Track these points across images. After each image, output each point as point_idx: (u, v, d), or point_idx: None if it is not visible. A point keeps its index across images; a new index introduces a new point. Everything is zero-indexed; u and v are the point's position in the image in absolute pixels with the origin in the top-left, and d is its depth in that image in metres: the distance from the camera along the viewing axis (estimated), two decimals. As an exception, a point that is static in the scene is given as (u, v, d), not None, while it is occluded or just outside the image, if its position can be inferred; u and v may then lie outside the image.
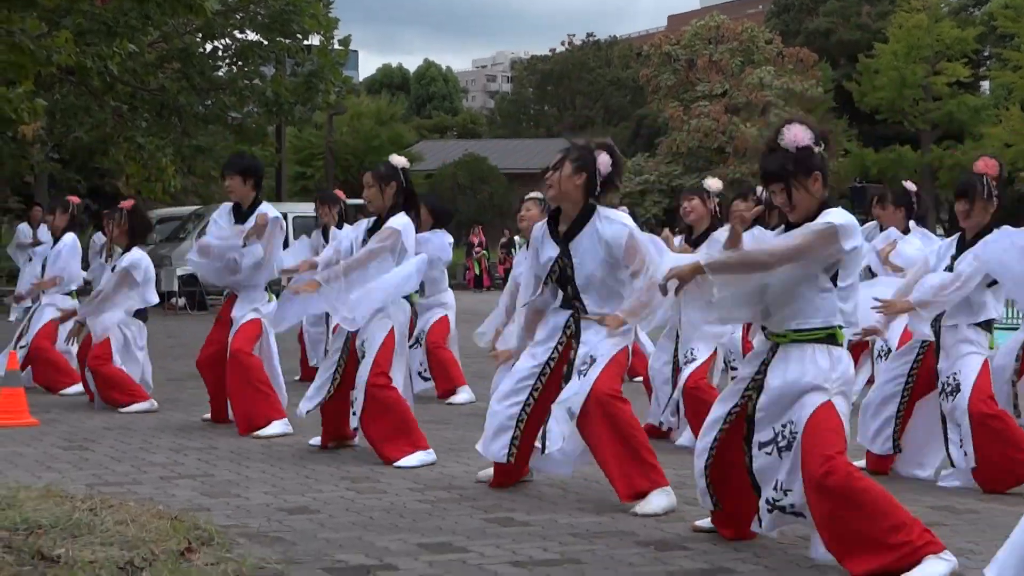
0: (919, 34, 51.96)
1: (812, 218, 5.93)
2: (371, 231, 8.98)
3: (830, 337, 5.90)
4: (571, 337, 7.40)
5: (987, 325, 8.23)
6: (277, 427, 9.87)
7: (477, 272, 42.33)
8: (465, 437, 9.76)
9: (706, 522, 6.56)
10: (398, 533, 6.45)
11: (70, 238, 13.18)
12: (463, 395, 12.25)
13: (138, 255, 11.60)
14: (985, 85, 59.95)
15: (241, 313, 10.23)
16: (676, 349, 9.65)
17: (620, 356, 7.36)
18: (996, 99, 52.80)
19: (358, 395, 8.74)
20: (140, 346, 11.68)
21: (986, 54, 59.22)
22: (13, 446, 9.20)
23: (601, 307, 7.36)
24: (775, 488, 5.95)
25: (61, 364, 12.62)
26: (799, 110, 51.43)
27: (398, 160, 9.07)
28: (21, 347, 12.52)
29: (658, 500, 7.06)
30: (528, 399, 7.42)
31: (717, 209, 9.85)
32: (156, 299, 11.83)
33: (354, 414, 8.78)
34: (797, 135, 5.95)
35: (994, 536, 6.60)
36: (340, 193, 14.54)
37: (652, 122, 61.69)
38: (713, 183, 9.96)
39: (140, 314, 11.70)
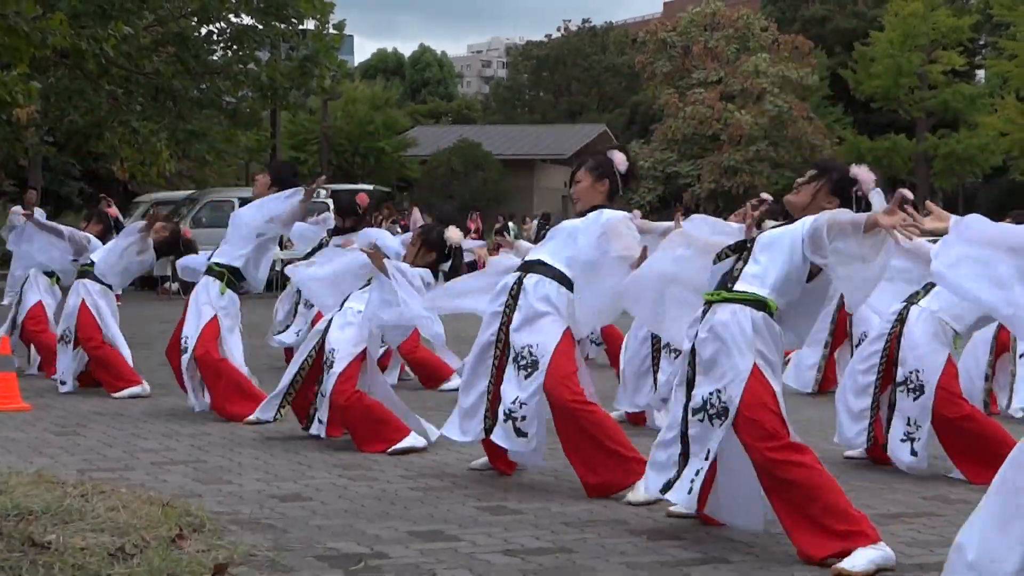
0: (915, 22, 51.89)
1: None
2: None
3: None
4: (515, 297, 7.41)
5: None
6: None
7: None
8: (458, 424, 9.73)
9: (680, 507, 6.56)
10: (390, 521, 6.44)
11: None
12: (456, 380, 12.21)
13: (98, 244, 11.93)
14: (980, 74, 59.91)
15: (196, 306, 10.27)
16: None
17: (562, 346, 7.29)
18: (991, 88, 52.73)
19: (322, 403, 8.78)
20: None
21: (981, 43, 59.18)
22: (5, 431, 9.18)
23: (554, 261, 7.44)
24: None
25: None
26: (795, 98, 51.51)
27: None
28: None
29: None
30: (491, 372, 7.47)
31: None
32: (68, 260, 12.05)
33: (320, 422, 8.81)
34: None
35: (986, 527, 6.60)
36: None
37: (647, 109, 61.61)
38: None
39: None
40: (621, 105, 69.22)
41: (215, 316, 10.11)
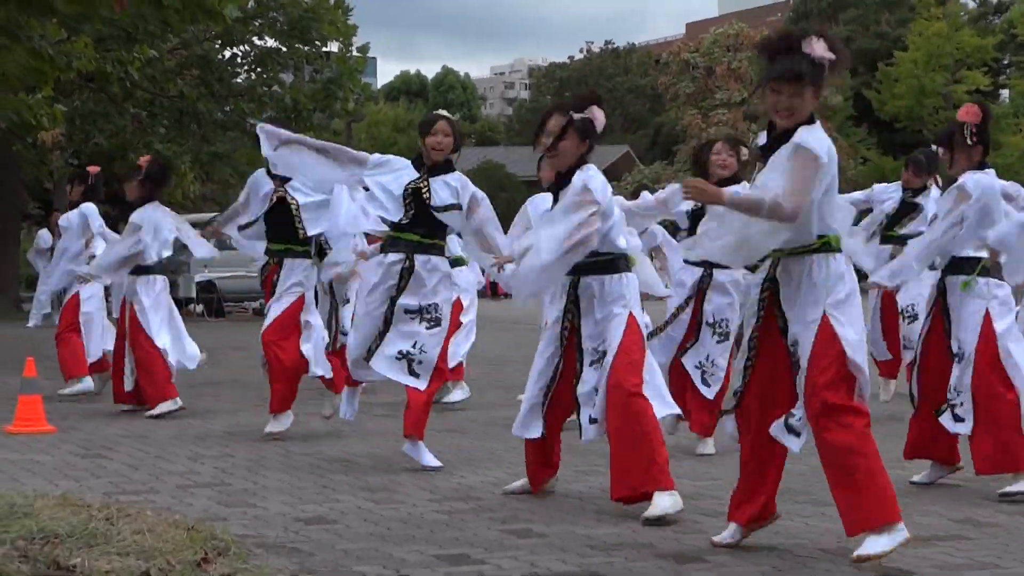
0: (939, 42, 51.87)
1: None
2: None
3: None
4: (573, 303, 7.45)
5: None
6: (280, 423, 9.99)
7: (493, 279, 42.20)
8: (483, 447, 9.72)
9: (725, 536, 6.50)
10: (415, 544, 6.41)
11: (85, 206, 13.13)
12: (458, 393, 12.18)
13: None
14: (1005, 94, 59.81)
15: (282, 288, 10.29)
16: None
17: (630, 338, 7.32)
18: (1016, 108, 52.65)
19: None
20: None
21: (1006, 62, 59.09)
22: (30, 453, 9.19)
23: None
24: None
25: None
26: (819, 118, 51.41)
27: None
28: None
29: (662, 501, 7.00)
30: (553, 375, 7.57)
31: None
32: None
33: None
34: (818, 50, 6.01)
35: (1018, 549, 6.54)
36: None
37: (670, 130, 61.68)
38: None
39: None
40: (644, 126, 69.30)
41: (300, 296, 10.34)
